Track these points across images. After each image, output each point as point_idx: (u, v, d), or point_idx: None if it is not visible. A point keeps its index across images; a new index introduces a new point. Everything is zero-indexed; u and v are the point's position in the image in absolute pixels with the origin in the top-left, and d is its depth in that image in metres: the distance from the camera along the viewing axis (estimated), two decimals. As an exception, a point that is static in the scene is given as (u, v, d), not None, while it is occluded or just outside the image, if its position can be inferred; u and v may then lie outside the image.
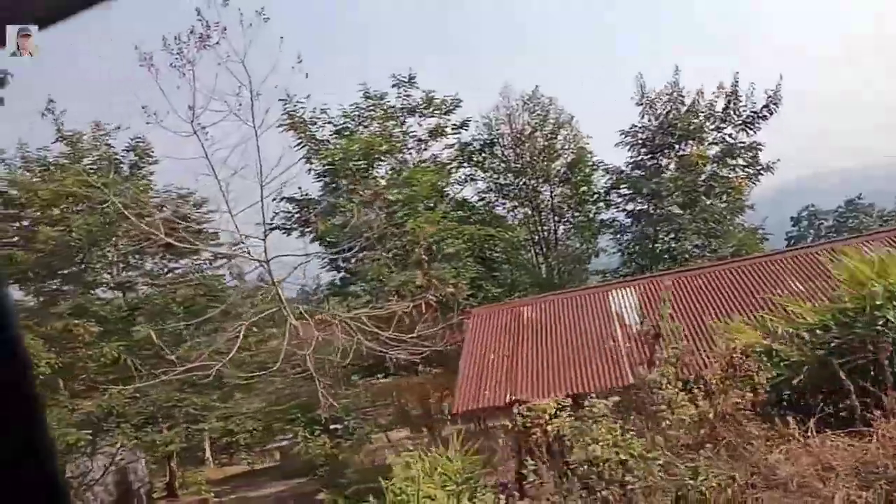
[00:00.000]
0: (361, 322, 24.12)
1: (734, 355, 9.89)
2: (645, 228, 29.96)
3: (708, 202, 28.14)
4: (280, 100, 28.42)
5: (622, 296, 19.82)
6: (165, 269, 33.09)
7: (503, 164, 34.20)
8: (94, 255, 26.28)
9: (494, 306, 23.14)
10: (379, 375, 30.77)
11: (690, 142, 28.75)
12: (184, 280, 31.90)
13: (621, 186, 30.35)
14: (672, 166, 28.85)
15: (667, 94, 29.57)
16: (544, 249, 33.74)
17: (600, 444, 8.25)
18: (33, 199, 24.36)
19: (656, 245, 30.02)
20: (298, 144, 28.95)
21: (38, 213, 24.58)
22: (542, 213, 33.73)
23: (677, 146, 28.70)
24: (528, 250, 34.64)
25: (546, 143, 33.29)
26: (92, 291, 27.37)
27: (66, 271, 26.07)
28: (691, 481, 7.39)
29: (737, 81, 28.19)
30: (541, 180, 33.53)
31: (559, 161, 33.28)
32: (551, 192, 33.50)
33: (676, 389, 9.45)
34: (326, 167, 28.94)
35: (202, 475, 39.56)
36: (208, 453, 43.68)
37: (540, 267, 33.87)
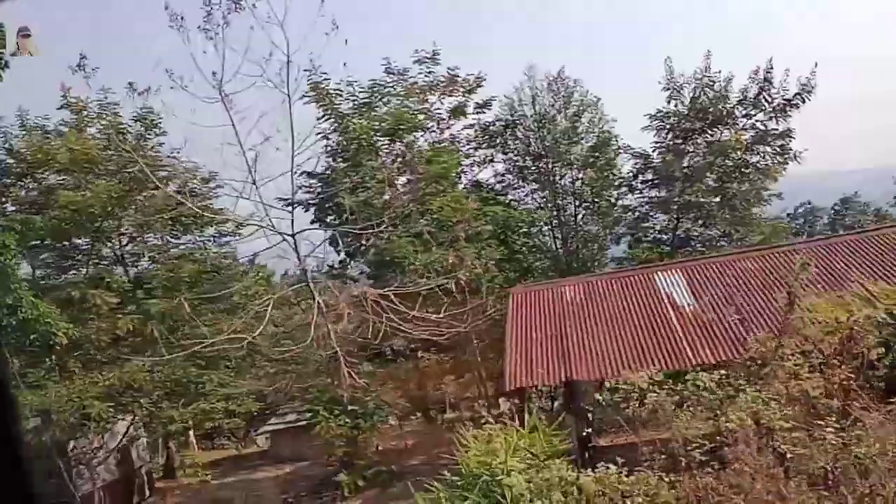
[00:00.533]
0: (390, 300, 23.51)
1: (854, 328, 9.41)
2: (671, 214, 29.63)
3: (740, 188, 27.84)
4: (305, 70, 27.64)
5: (669, 277, 19.41)
6: (169, 244, 32.19)
7: (524, 147, 33.62)
8: (110, 224, 25.35)
9: (532, 286, 22.64)
10: (376, 361, 30.12)
11: (719, 127, 28.41)
12: (190, 256, 31.00)
13: (647, 171, 29.94)
14: (703, 151, 28.47)
15: (697, 79, 29.18)
16: (563, 234, 33.23)
17: (737, 414, 7.74)
18: (49, 163, 23.39)
19: (681, 232, 29.73)
20: (323, 117, 28.20)
21: (56, 177, 23.60)
22: (562, 198, 33.19)
23: (708, 131, 28.33)
24: (546, 235, 34.15)
25: (569, 126, 32.75)
26: (105, 262, 26.44)
27: (80, 239, 25.11)
28: (853, 450, 6.92)
29: (770, 68, 27.87)
30: (562, 164, 32.99)
31: (581, 144, 32.74)
32: (573, 176, 32.97)
33: (799, 361, 8.98)
34: (350, 141, 28.15)
35: (198, 457, 38.83)
36: (192, 437, 42.75)
37: (558, 252, 33.39)
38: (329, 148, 28.90)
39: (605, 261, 32.39)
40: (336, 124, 28.52)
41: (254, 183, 24.94)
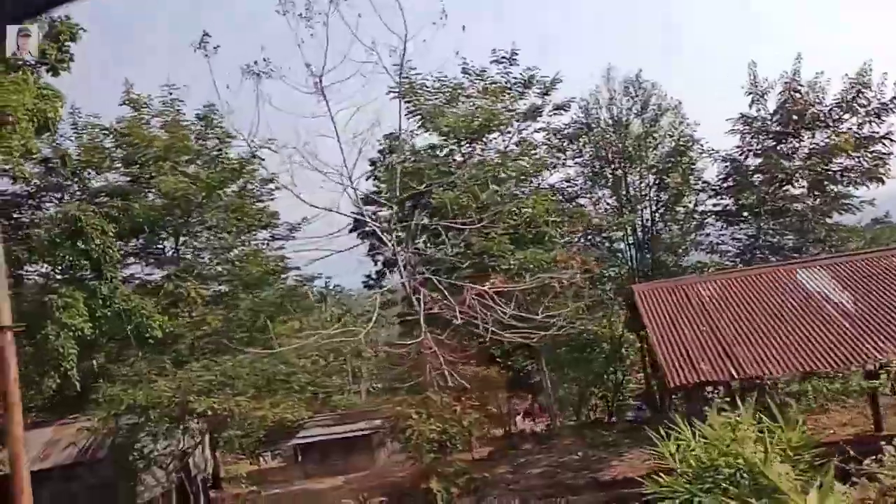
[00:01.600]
0: (492, 298, 22.55)
1: None
2: (759, 220, 28.92)
3: (839, 192, 27.18)
4: (394, 65, 26.90)
5: (812, 274, 18.60)
6: (237, 243, 31.21)
7: (597, 151, 32.91)
8: (197, 217, 24.41)
9: (657, 284, 21.84)
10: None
11: (814, 130, 27.79)
12: (253, 257, 30.03)
13: (736, 175, 29.24)
14: (801, 154, 27.82)
15: (786, 83, 28.62)
16: (638, 240, 32.41)
17: None
18: (145, 147, 22.52)
19: (766, 239, 29.02)
20: (411, 112, 27.45)
21: (151, 165, 22.67)
22: (638, 203, 32.40)
23: (803, 134, 27.73)
24: (619, 241, 33.34)
25: (646, 130, 32.09)
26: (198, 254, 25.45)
27: (170, 231, 24.13)
28: None
29: (868, 70, 27.31)
30: (639, 168, 32.30)
31: (660, 148, 32.07)
32: (649, 180, 32.24)
33: None
34: (443, 137, 27.46)
35: (241, 468, 37.59)
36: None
37: (633, 258, 32.56)
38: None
39: (684, 267, 31.47)
40: (423, 120, 27.77)
41: (349, 177, 24.18)
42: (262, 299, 25.34)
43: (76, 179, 22.93)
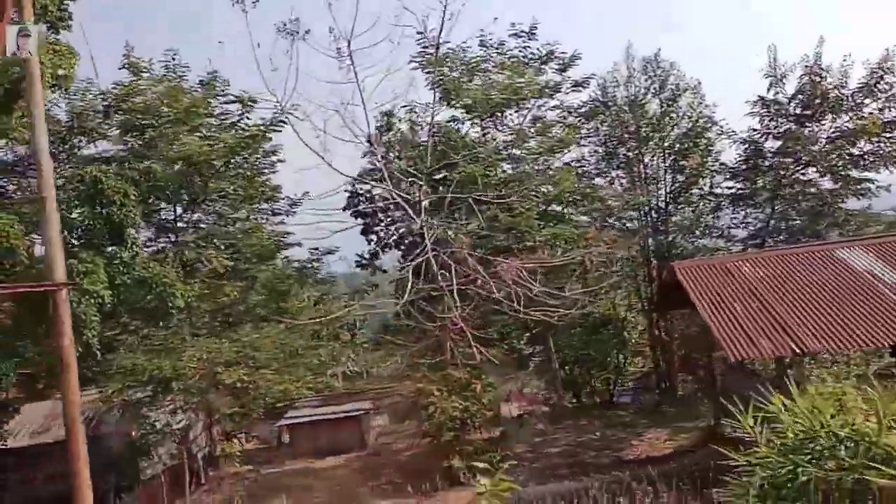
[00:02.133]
0: (526, 274, 22.08)
1: None
2: (777, 203, 28.91)
3: (857, 174, 27.24)
4: (418, 33, 26.23)
5: (855, 254, 18.49)
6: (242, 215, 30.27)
7: (612, 130, 32.57)
8: (218, 183, 23.46)
9: (696, 262, 21.64)
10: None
11: (833, 114, 27.78)
12: (255, 230, 29.16)
13: (756, 157, 29.14)
14: (824, 137, 27.81)
15: (807, 66, 28.53)
16: (652, 221, 32.22)
17: None
18: (163, 110, 21.50)
19: (787, 221, 29.04)
20: (433, 84, 26.68)
21: (170, 127, 21.64)
22: (652, 184, 32.19)
23: (826, 117, 27.72)
24: (631, 221, 33.08)
25: (663, 110, 31.82)
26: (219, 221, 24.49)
27: (186, 197, 23.14)
28: None
29: (892, 55, 27.27)
30: (655, 149, 32.05)
31: (676, 129, 31.82)
32: (665, 161, 32.01)
33: None
34: (460, 110, 26.78)
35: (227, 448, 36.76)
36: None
37: (646, 238, 32.33)
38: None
39: (700, 249, 31.34)
40: (445, 92, 27.04)
41: (370, 141, 23.42)
42: (279, 271, 24.57)
43: (90, 140, 21.85)
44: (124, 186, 19.31)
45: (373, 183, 23.32)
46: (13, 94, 17.47)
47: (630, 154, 32.29)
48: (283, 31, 18.12)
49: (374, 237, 46.71)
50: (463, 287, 21.23)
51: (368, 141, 24.80)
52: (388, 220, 45.50)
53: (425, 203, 23.14)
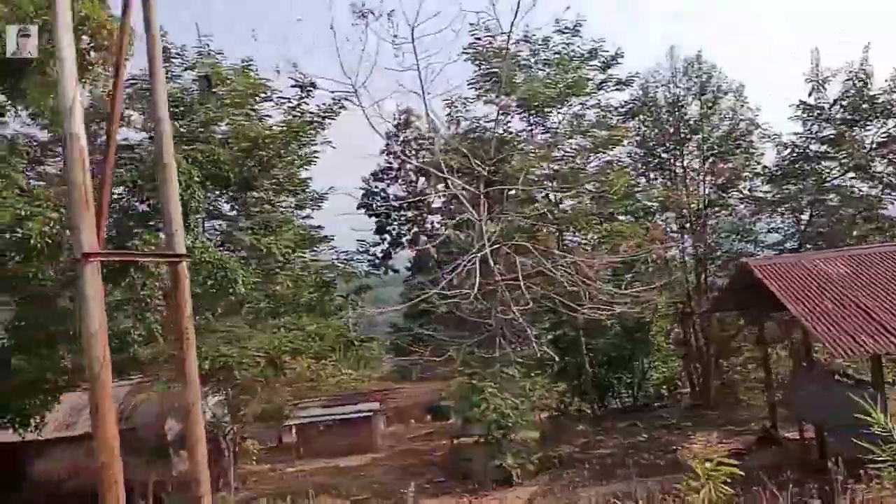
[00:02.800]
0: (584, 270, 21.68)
1: None
2: (816, 207, 28.89)
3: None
4: (471, 23, 25.83)
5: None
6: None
7: (653, 130, 32.40)
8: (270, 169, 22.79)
9: (772, 259, 21.44)
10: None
11: (881, 119, 27.82)
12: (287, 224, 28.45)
13: (800, 161, 29.08)
14: (878, 141, 27.84)
15: (852, 71, 28.57)
16: (691, 223, 32.01)
17: None
18: (225, 95, 20.88)
19: (827, 226, 28.98)
20: (484, 76, 26.32)
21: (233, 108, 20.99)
22: (691, 186, 31.97)
23: (874, 122, 27.78)
24: (665, 222, 32.83)
25: (703, 112, 31.68)
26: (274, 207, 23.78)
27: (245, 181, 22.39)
28: None
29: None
30: (693, 150, 31.90)
31: (716, 131, 31.69)
32: (705, 163, 31.84)
33: None
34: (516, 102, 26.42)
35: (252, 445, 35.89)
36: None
37: (683, 242, 32.13)
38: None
39: (739, 253, 31.14)
40: (495, 84, 26.64)
41: (435, 131, 22.81)
42: (325, 263, 23.98)
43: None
44: (190, 168, 18.65)
45: (437, 174, 22.67)
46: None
47: (668, 155, 32.12)
48: (357, 13, 17.60)
49: (387, 236, 46.42)
50: (524, 282, 20.74)
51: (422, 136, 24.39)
52: (402, 218, 45.18)
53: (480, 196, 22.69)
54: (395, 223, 45.26)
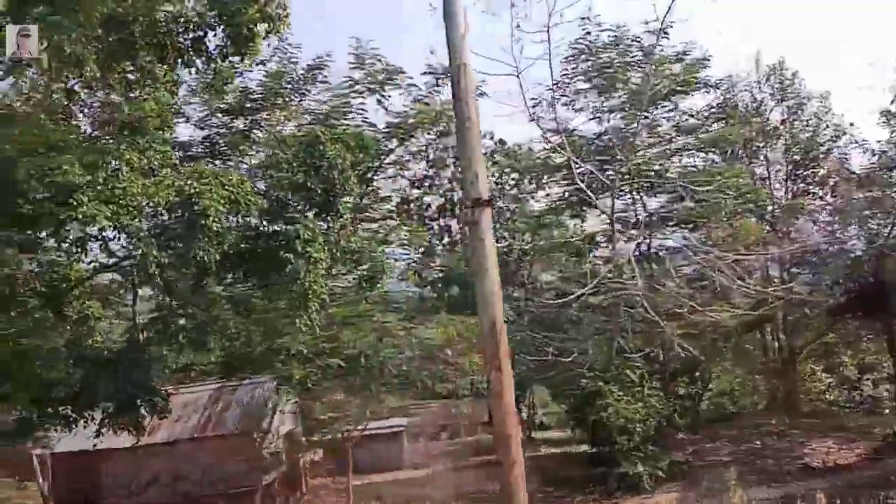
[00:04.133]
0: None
1: None
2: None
3: None
4: (582, 18, 25.21)
5: None
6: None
7: (732, 136, 32.07)
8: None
9: None
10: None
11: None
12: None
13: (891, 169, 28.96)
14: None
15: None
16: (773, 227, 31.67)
17: None
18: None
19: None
20: (594, 73, 25.67)
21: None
22: (772, 192, 31.70)
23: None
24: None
25: (785, 118, 31.55)
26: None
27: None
28: None
29: None
30: (775, 155, 31.71)
31: (800, 136, 31.55)
32: (786, 168, 31.65)
33: None
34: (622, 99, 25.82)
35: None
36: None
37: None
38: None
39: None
40: (603, 81, 26.02)
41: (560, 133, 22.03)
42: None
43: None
44: (342, 150, 17.54)
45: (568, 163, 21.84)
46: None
47: (749, 160, 31.83)
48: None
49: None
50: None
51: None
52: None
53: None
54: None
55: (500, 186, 29.36)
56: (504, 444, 7.16)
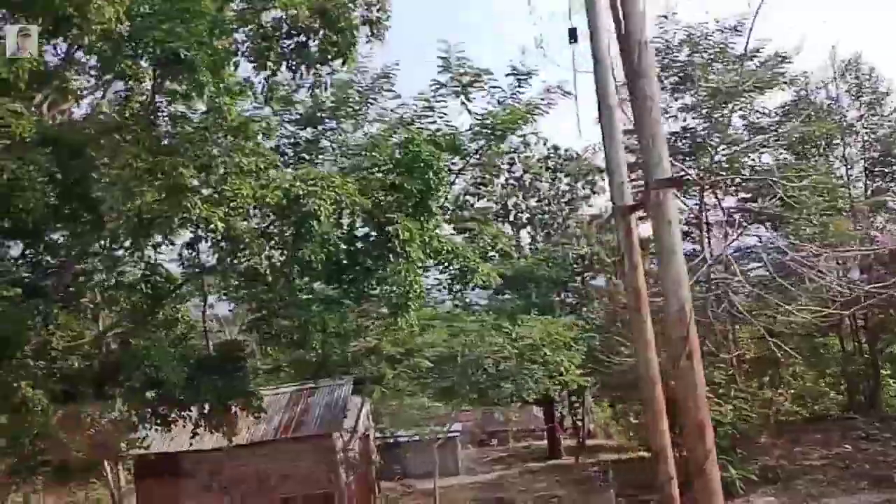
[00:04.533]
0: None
1: None
2: None
3: None
4: (661, 16, 24.99)
5: None
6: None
7: (804, 134, 31.34)
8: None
9: None
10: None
11: None
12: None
13: None
14: None
15: None
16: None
17: None
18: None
19: None
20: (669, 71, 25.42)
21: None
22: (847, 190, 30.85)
23: None
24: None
25: (862, 115, 30.70)
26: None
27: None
28: None
29: None
30: (850, 154, 30.94)
31: (878, 132, 30.70)
32: (863, 165, 30.82)
33: None
34: (703, 97, 25.46)
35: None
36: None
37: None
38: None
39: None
40: (678, 77, 25.70)
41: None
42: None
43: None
44: (433, 150, 17.52)
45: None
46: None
47: (826, 157, 31.07)
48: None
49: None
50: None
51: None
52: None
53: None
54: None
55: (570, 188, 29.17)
56: (698, 433, 6.89)
